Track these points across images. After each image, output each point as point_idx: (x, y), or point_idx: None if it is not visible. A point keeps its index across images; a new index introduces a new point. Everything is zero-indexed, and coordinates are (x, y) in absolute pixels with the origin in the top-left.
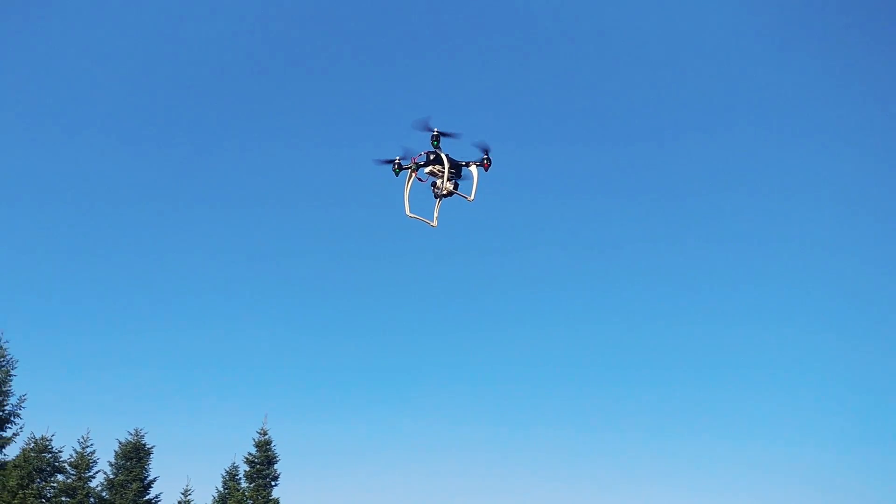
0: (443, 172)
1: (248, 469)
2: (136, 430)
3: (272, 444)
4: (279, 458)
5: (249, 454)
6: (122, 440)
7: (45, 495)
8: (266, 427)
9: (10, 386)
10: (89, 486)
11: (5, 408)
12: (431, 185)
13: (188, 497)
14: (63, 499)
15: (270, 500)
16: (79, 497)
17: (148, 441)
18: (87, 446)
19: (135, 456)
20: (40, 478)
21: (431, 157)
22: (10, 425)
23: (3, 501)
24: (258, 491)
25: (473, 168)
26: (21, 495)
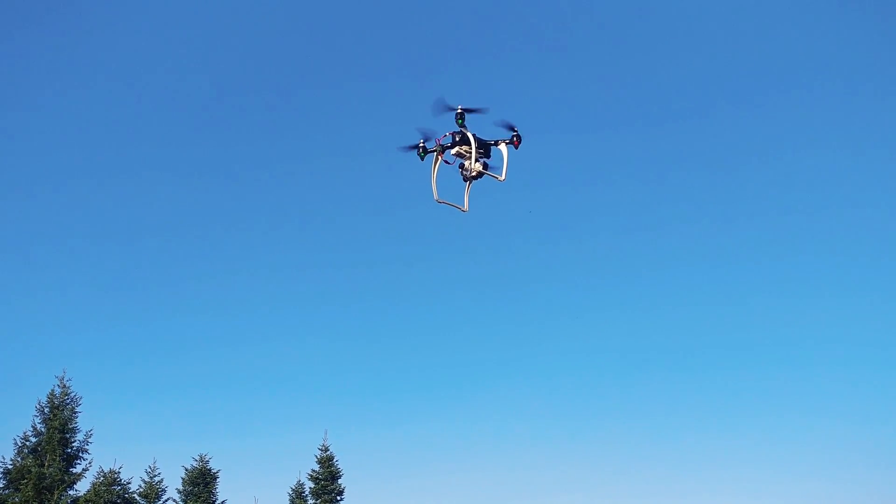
0: (470, 153)
1: (312, 486)
2: (202, 456)
3: (335, 460)
4: (342, 472)
5: (313, 471)
6: (189, 466)
7: None
8: (327, 443)
9: (76, 423)
10: None
11: (73, 444)
12: (459, 168)
13: None
14: None
15: None
16: None
17: (213, 465)
18: (155, 475)
19: (202, 481)
20: None
21: (457, 137)
22: (79, 461)
23: None
24: None
25: (503, 146)
26: None
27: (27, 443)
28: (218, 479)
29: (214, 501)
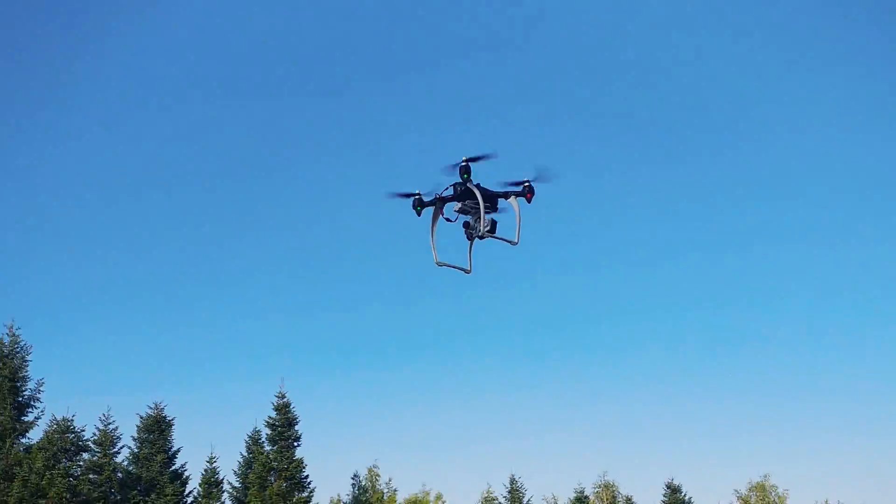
0: (476, 209)
1: (269, 432)
2: (156, 404)
3: (291, 407)
4: (299, 419)
5: (270, 418)
6: (143, 414)
7: (73, 474)
8: (284, 390)
9: (27, 371)
10: (115, 462)
11: (24, 393)
12: (464, 226)
13: (214, 464)
14: (90, 476)
15: (294, 460)
16: (105, 473)
17: (168, 413)
18: (109, 423)
19: (157, 429)
20: (66, 458)
21: (459, 189)
22: (30, 410)
23: (32, 484)
24: (281, 452)
25: (513, 200)
26: (48, 476)
27: None
28: (173, 427)
29: (170, 449)
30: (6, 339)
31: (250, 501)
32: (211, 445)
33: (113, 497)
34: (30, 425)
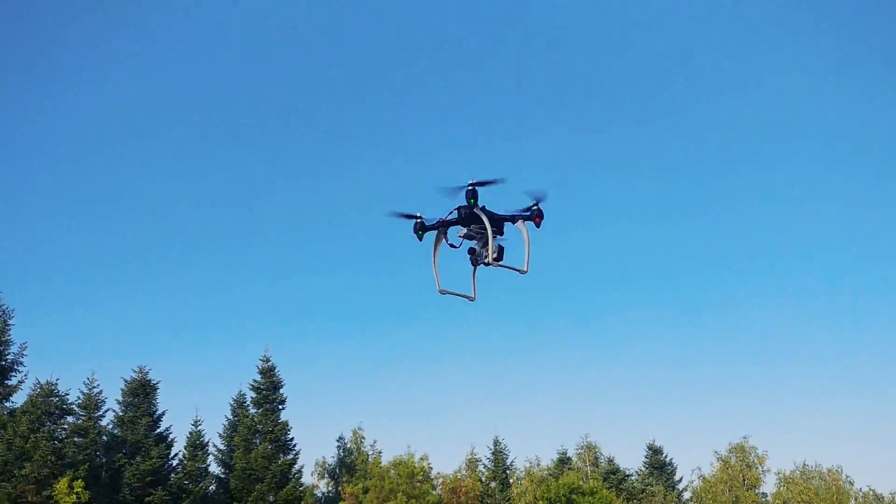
0: (482, 234)
1: (254, 395)
2: (141, 368)
3: (276, 370)
4: (284, 382)
5: (255, 381)
6: (128, 378)
7: (57, 437)
8: (269, 354)
9: (9, 335)
10: (100, 425)
11: (7, 357)
12: (469, 252)
13: (199, 427)
14: (75, 439)
15: (279, 423)
16: (90, 436)
17: (153, 377)
18: (94, 387)
19: (141, 392)
20: (50, 421)
21: (464, 212)
22: (13, 374)
23: (16, 447)
24: (266, 415)
25: (521, 225)
26: (33, 439)
27: None
28: (158, 391)
29: (155, 412)
30: None
31: (235, 463)
32: (196, 409)
33: (98, 460)
34: (13, 389)
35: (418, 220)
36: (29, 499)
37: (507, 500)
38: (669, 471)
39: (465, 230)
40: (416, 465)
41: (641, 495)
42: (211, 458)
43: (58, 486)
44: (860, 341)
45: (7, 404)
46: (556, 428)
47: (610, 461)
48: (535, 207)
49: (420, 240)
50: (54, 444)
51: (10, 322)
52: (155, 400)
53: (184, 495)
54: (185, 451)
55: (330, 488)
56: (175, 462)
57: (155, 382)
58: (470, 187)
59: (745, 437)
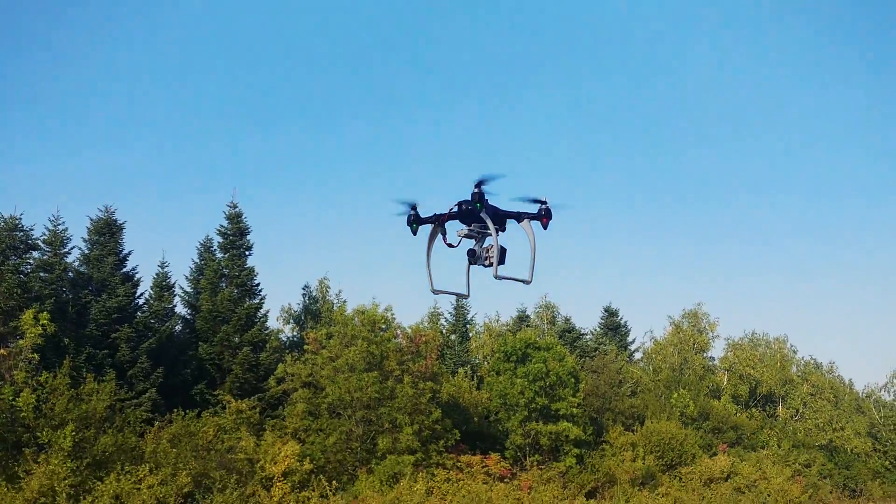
0: (483, 234)
1: (221, 241)
2: (107, 207)
3: (243, 217)
4: (251, 229)
5: (221, 226)
6: (94, 217)
7: (23, 271)
8: (236, 200)
9: None
10: (66, 262)
11: None
12: (468, 253)
13: (165, 269)
14: (41, 274)
15: (246, 268)
16: (56, 272)
17: (119, 217)
18: (59, 224)
19: (107, 231)
20: (15, 255)
21: (466, 208)
22: None
23: None
24: (233, 260)
25: (527, 225)
26: None
27: None
28: (124, 231)
29: (121, 251)
30: None
31: (202, 305)
32: (162, 251)
33: (65, 295)
34: None
35: (413, 213)
36: None
37: (466, 352)
38: (623, 332)
39: (466, 229)
40: (379, 314)
41: (594, 353)
42: (177, 299)
43: (23, 318)
44: (817, 219)
45: None
46: (516, 289)
47: (566, 320)
48: (543, 206)
49: (414, 233)
50: (20, 277)
51: None
52: (121, 240)
53: (150, 333)
54: (152, 292)
55: (295, 333)
56: (141, 301)
57: (121, 223)
58: (476, 190)
59: (698, 304)
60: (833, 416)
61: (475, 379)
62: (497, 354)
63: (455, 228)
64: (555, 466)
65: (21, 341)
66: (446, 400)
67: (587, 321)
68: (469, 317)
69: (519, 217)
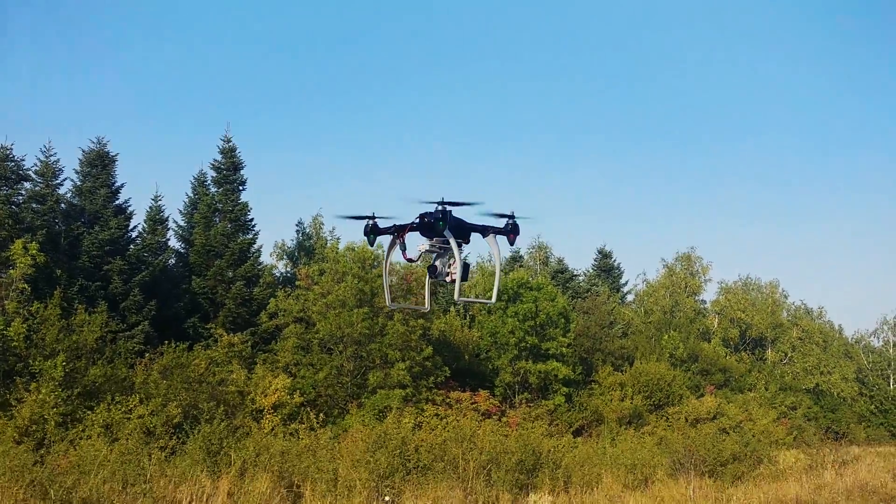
0: (446, 250)
1: (215, 175)
2: (99, 139)
3: (237, 151)
4: (245, 164)
5: (215, 161)
6: (86, 148)
7: (15, 202)
8: (230, 135)
9: None
10: (58, 193)
11: None
12: (428, 270)
13: (159, 202)
14: (33, 205)
15: (240, 203)
16: (49, 203)
17: (112, 149)
18: (51, 155)
19: (100, 163)
20: (6, 186)
21: (428, 221)
22: None
23: None
24: (227, 195)
25: (492, 240)
26: None
27: None
28: (117, 163)
29: (113, 184)
30: None
31: (195, 239)
32: (156, 185)
33: (57, 227)
34: None
35: (371, 222)
36: None
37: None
38: (616, 274)
39: (427, 243)
40: (369, 251)
41: (587, 294)
42: (171, 233)
43: (13, 248)
44: (812, 164)
45: None
46: None
47: (560, 261)
48: (511, 221)
49: (371, 244)
50: (11, 208)
51: None
52: (114, 172)
53: (143, 266)
54: (145, 225)
55: (288, 269)
56: (135, 234)
57: (114, 154)
58: (439, 209)
59: (691, 248)
60: (821, 361)
61: (467, 318)
62: (489, 293)
63: (416, 242)
64: (543, 404)
65: (12, 271)
66: (437, 337)
67: (580, 263)
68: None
69: (485, 231)
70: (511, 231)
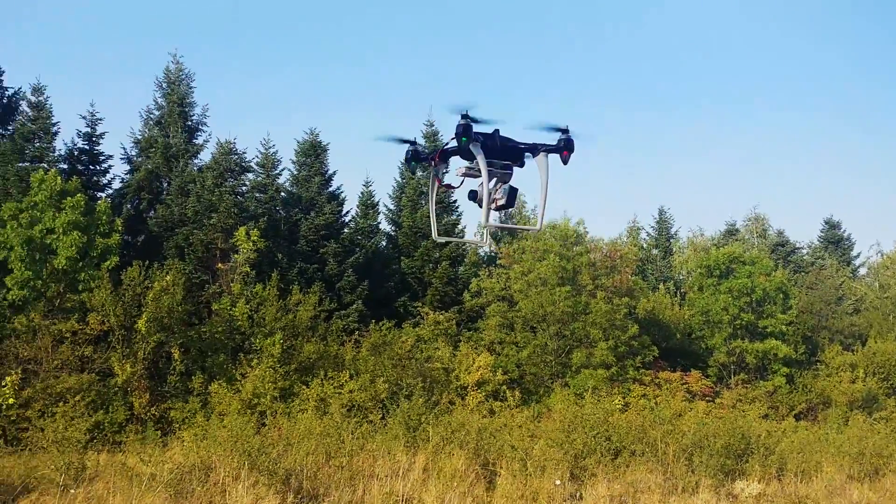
0: (490, 172)
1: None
2: (312, 130)
3: (440, 135)
4: None
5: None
6: (300, 139)
7: (239, 192)
8: (432, 119)
9: (193, 98)
10: (277, 183)
11: (192, 118)
12: (469, 196)
13: (369, 188)
14: (256, 195)
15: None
16: (269, 192)
17: (323, 139)
18: (270, 147)
19: (313, 153)
20: (231, 177)
21: (453, 139)
22: (199, 133)
23: (205, 199)
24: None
25: (542, 159)
26: (217, 193)
27: (151, 115)
28: (328, 152)
29: (326, 172)
30: (171, 66)
31: (403, 222)
32: (366, 171)
33: (276, 214)
34: (199, 148)
35: (411, 148)
36: (218, 245)
37: (669, 268)
38: (846, 246)
39: (465, 166)
40: (571, 228)
41: (811, 268)
42: (381, 216)
43: (238, 234)
44: None
45: (196, 161)
46: (723, 199)
47: (780, 233)
48: (565, 137)
49: (413, 173)
50: (237, 198)
51: (193, 85)
52: (326, 160)
53: (356, 248)
54: (357, 210)
55: (492, 248)
56: (348, 219)
57: (325, 144)
58: (462, 122)
59: None
60: None
61: (678, 295)
62: (699, 270)
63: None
64: (761, 386)
65: (237, 256)
66: (644, 316)
67: (804, 235)
68: (672, 231)
69: (535, 150)
70: (565, 148)
